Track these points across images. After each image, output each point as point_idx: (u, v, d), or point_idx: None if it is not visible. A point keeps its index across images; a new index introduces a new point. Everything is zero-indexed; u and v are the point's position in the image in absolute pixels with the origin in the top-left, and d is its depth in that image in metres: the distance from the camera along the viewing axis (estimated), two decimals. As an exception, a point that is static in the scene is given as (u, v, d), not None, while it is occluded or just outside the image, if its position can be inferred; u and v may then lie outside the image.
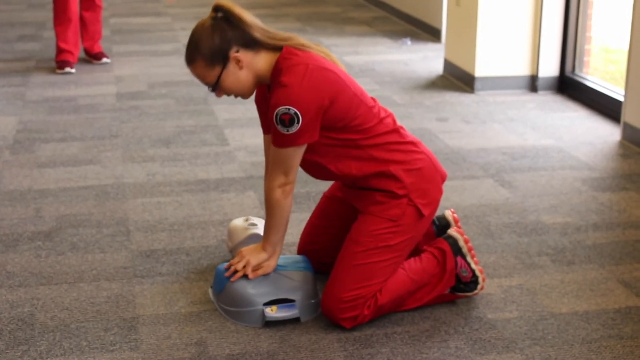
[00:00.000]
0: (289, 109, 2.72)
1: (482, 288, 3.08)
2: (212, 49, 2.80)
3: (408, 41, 7.57)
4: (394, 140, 2.93)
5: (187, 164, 4.53)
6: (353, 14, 9.06)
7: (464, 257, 3.05)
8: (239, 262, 2.99)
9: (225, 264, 3.06)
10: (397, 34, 7.92)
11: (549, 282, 3.25)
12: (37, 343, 2.83)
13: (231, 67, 2.83)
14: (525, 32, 5.81)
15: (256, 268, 2.98)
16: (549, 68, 5.83)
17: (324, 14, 9.01)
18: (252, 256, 2.98)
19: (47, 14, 8.92)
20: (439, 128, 5.11)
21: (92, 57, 6.77)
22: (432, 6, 7.70)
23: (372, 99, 2.99)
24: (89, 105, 5.61)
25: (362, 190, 2.97)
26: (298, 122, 2.73)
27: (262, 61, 2.84)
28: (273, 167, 2.86)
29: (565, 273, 3.33)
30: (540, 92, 5.85)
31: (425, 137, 4.91)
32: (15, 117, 5.32)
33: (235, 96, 2.91)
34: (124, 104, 5.65)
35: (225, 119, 5.28)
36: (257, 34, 2.81)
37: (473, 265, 3.06)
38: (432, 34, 7.71)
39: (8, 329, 2.92)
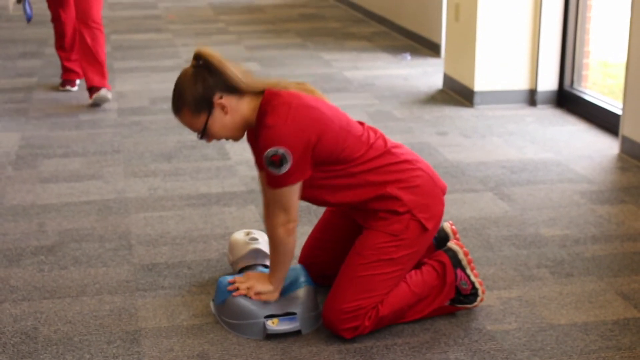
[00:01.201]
0: (277, 150, 2.75)
1: (481, 300, 3.11)
2: (195, 97, 2.85)
3: (408, 56, 7.62)
4: (387, 162, 2.96)
5: (189, 178, 4.56)
6: (353, 29, 9.11)
7: (463, 269, 3.08)
8: (244, 282, 3.02)
9: (229, 278, 3.09)
10: (396, 49, 7.96)
11: (547, 294, 3.28)
12: (41, 356, 2.86)
13: (216, 113, 2.87)
14: (524, 46, 5.85)
15: (259, 293, 3.01)
16: (548, 82, 5.88)
17: (324, 30, 9.06)
18: (258, 283, 3.01)
19: (49, 31, 8.95)
20: (439, 142, 5.15)
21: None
22: (432, 21, 7.75)
23: (360, 123, 3.04)
24: (91, 121, 5.65)
25: (364, 210, 3.01)
26: (288, 162, 2.77)
27: (246, 105, 2.89)
28: (272, 207, 2.90)
29: (563, 285, 3.35)
30: (539, 106, 5.89)
31: (425, 151, 4.95)
32: (18, 133, 5.35)
33: (226, 139, 2.95)
34: (125, 119, 5.69)
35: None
36: (237, 81, 2.86)
37: (473, 278, 3.09)
38: (431, 49, 7.76)
39: (12, 342, 2.95)
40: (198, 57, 2.89)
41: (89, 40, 5.88)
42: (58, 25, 6.39)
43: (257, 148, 2.88)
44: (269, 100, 2.86)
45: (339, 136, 2.89)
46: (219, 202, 4.22)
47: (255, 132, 2.90)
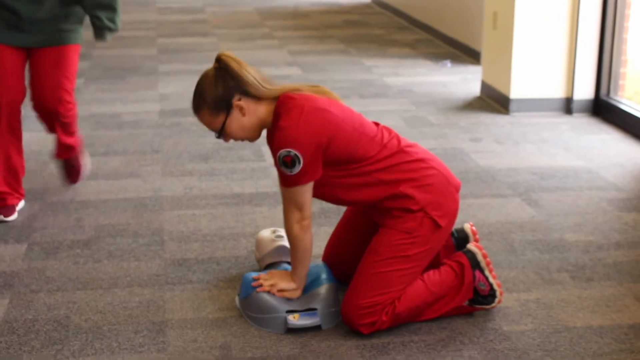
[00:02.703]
0: (289, 151, 2.86)
1: (499, 301, 3.18)
2: (215, 98, 2.96)
3: (448, 63, 7.68)
4: (400, 160, 3.05)
5: (224, 178, 4.68)
6: (396, 36, 9.19)
7: (482, 270, 3.15)
8: (267, 280, 3.13)
9: (254, 274, 3.20)
10: (438, 56, 8.03)
11: (566, 297, 3.34)
12: (71, 343, 2.99)
13: (234, 114, 2.99)
14: (561, 54, 5.89)
15: (282, 290, 3.11)
16: (584, 91, 5.91)
17: (368, 36, 9.16)
18: (281, 281, 3.12)
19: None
20: (472, 148, 5.21)
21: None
22: (473, 29, 7.80)
23: (375, 124, 3.13)
24: (133, 122, 5.80)
25: (379, 209, 3.10)
26: (300, 163, 2.88)
27: (263, 108, 3.00)
28: (287, 205, 3.02)
29: (583, 289, 3.41)
30: (575, 115, 5.92)
31: (457, 157, 5.02)
32: (62, 132, 5.51)
33: (243, 140, 3.07)
34: (166, 120, 5.83)
35: (263, 136, 5.41)
36: (255, 85, 2.98)
37: (491, 279, 3.16)
38: (472, 56, 7.81)
39: (44, 329, 3.08)
40: (219, 60, 3.01)
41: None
42: None
43: (272, 149, 2.99)
44: (283, 103, 2.97)
45: (352, 137, 2.99)
46: (252, 202, 4.34)
47: (270, 133, 3.01)
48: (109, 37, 4.04)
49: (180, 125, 5.72)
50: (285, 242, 3.41)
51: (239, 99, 2.98)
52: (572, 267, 3.60)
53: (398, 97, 6.51)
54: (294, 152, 2.88)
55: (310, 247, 3.07)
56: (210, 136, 5.43)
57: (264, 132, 3.12)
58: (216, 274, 3.53)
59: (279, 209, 4.20)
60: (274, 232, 3.52)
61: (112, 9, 3.99)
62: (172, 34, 9.27)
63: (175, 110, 6.09)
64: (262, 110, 3.01)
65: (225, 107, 2.98)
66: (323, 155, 2.96)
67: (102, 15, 3.96)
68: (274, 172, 4.76)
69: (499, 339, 3.03)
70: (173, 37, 9.06)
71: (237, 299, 3.27)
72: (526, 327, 3.12)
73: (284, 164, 2.90)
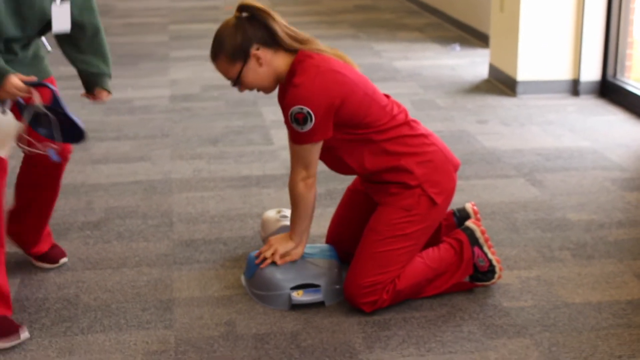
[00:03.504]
0: (302, 108, 2.92)
1: (499, 277, 3.24)
2: (234, 46, 3.00)
3: (457, 47, 7.71)
4: (405, 133, 3.11)
5: (232, 161, 4.75)
6: (406, 20, 9.23)
7: (480, 247, 3.21)
8: (267, 249, 3.20)
9: (257, 252, 3.27)
10: (447, 40, 8.06)
11: (566, 275, 3.39)
12: (80, 320, 3.07)
13: (251, 63, 3.03)
14: (567, 37, 5.92)
15: (284, 255, 3.18)
16: (591, 72, 5.94)
17: (378, 21, 9.19)
18: (280, 245, 3.18)
19: (110, 21, 9.27)
20: (478, 130, 5.26)
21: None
22: (481, 12, 7.83)
23: (386, 96, 3.18)
24: (144, 107, 5.87)
25: (378, 183, 3.16)
26: (311, 121, 2.93)
27: (280, 60, 3.04)
28: (294, 162, 3.07)
29: (583, 266, 3.46)
30: (582, 96, 5.95)
31: (464, 139, 5.07)
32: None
33: (258, 90, 3.11)
34: (177, 105, 5.90)
35: (272, 120, 5.50)
36: (279, 32, 3.01)
37: (490, 255, 3.21)
38: (481, 39, 7.84)
39: (54, 307, 3.16)
40: (242, 8, 3.04)
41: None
42: None
43: (284, 105, 3.04)
44: (300, 61, 3.02)
45: (363, 102, 3.04)
46: (259, 184, 4.40)
47: (284, 89, 3.07)
48: (109, 84, 3.30)
49: (190, 110, 5.79)
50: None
51: (257, 49, 3.02)
52: (573, 245, 3.65)
53: (407, 80, 6.55)
54: (306, 109, 2.93)
55: (312, 205, 3.13)
56: (220, 120, 5.51)
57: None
58: (223, 254, 3.60)
59: (286, 190, 4.27)
60: (279, 212, 3.58)
61: (106, 57, 3.30)
62: (184, 20, 9.34)
63: (186, 95, 6.16)
64: (279, 62, 3.04)
65: (243, 55, 3.01)
66: (334, 117, 3.02)
67: (98, 61, 3.26)
68: (281, 155, 4.82)
69: (499, 315, 3.09)
70: (185, 23, 9.13)
71: (242, 277, 3.34)
72: (526, 303, 3.17)
73: (295, 120, 2.96)
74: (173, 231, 3.83)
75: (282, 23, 3.04)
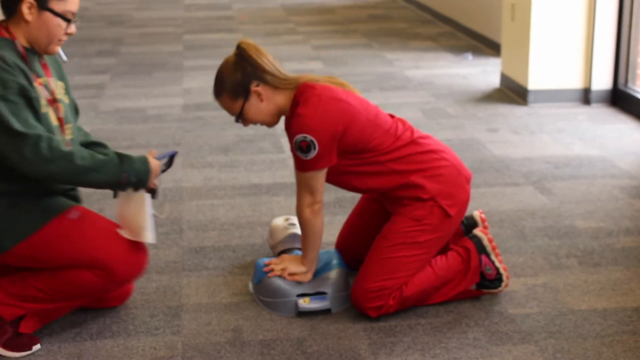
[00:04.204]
0: (306, 137, 2.97)
1: (506, 285, 3.25)
2: (234, 83, 3.07)
3: (469, 56, 7.73)
4: (413, 151, 3.15)
5: (243, 170, 4.79)
6: (419, 29, 9.25)
7: (488, 255, 3.23)
8: (278, 264, 3.24)
9: (266, 259, 3.30)
10: (460, 49, 8.08)
11: (573, 282, 3.41)
12: (89, 326, 3.11)
13: (253, 99, 3.09)
14: (578, 45, 5.94)
15: (292, 274, 3.22)
16: (602, 81, 5.95)
17: (391, 30, 9.22)
18: (291, 265, 3.23)
19: (125, 31, 9.34)
20: (488, 138, 5.27)
21: None
22: (493, 21, 7.85)
23: (390, 116, 3.22)
24: (157, 116, 5.92)
25: (391, 198, 3.19)
26: (315, 149, 2.98)
27: (280, 95, 3.11)
28: (300, 189, 3.12)
29: (590, 274, 3.47)
30: (593, 105, 5.96)
31: (473, 147, 5.09)
32: (87, 127, 5.64)
33: (261, 124, 3.17)
34: (189, 114, 5.95)
35: (283, 129, 5.50)
36: (272, 72, 3.08)
37: (497, 263, 3.23)
38: (493, 48, 7.86)
39: (64, 313, 3.20)
40: (239, 47, 3.11)
41: None
42: None
43: (289, 134, 3.09)
44: (302, 92, 3.07)
45: (366, 127, 3.08)
46: (269, 192, 4.44)
47: (289, 119, 3.11)
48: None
49: (202, 119, 5.83)
50: (298, 230, 3.51)
51: (257, 85, 3.08)
52: (580, 253, 3.66)
53: (418, 89, 6.58)
54: (309, 137, 2.98)
55: (320, 231, 3.17)
56: (232, 129, 5.55)
57: (281, 123, 3.23)
58: (231, 261, 3.63)
59: (295, 198, 4.30)
60: (286, 219, 3.62)
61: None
62: (198, 30, 9.40)
63: (199, 104, 6.21)
64: (279, 98, 3.11)
65: (244, 92, 3.08)
66: (338, 144, 3.06)
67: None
68: (291, 163, 4.84)
69: (504, 322, 3.11)
70: (199, 33, 9.18)
71: (250, 284, 3.37)
72: (531, 310, 3.19)
73: (300, 149, 3.01)
74: (182, 238, 3.87)
75: (274, 66, 3.10)
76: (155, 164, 2.96)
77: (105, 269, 2.90)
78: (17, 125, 2.73)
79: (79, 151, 2.82)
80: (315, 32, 9.16)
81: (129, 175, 2.87)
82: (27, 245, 2.87)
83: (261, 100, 3.10)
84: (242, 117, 3.15)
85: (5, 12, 2.92)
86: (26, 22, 2.88)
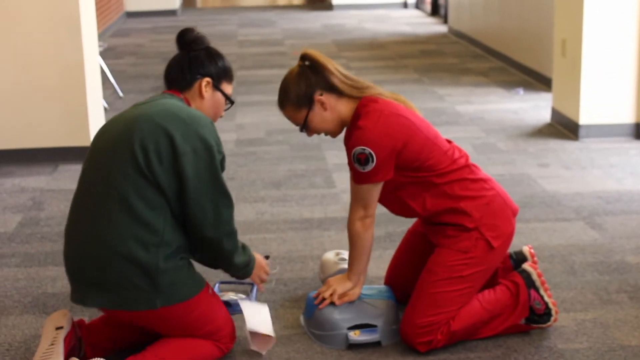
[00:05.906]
0: (364, 149, 3.02)
1: (555, 320, 3.27)
2: (298, 93, 3.15)
3: (520, 91, 7.75)
4: (466, 177, 3.19)
5: (295, 204, 4.86)
6: (470, 64, 9.29)
7: (537, 290, 3.25)
8: (326, 290, 3.29)
9: (315, 292, 3.35)
10: (511, 84, 8.11)
11: (623, 317, 3.41)
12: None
13: (316, 109, 3.16)
14: (630, 80, 5.94)
15: (342, 296, 3.26)
16: (654, 116, 5.95)
17: (442, 65, 9.28)
18: (338, 285, 3.27)
19: (180, 67, 9.49)
20: (539, 173, 5.29)
21: None
22: (545, 57, 7.87)
23: (448, 141, 3.26)
24: (210, 151, 6.01)
25: (436, 225, 3.23)
26: (373, 161, 3.03)
27: (343, 105, 3.17)
28: (353, 202, 3.17)
29: (640, 309, 3.48)
30: (645, 140, 5.96)
31: (524, 182, 5.10)
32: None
33: (325, 134, 3.24)
34: (242, 149, 6.05)
35: (335, 164, 5.60)
36: (337, 82, 3.14)
37: (546, 298, 3.25)
38: (544, 83, 7.87)
39: (120, 344, 3.27)
40: (304, 58, 3.20)
41: None
42: None
43: (348, 146, 3.16)
44: (364, 105, 3.14)
45: (425, 145, 3.14)
46: (320, 226, 4.50)
47: (349, 132, 3.18)
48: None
49: (255, 154, 5.93)
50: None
51: (321, 94, 3.15)
52: (631, 288, 3.66)
53: (469, 124, 6.61)
54: (368, 150, 3.04)
55: (369, 246, 3.22)
56: (284, 164, 5.63)
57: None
58: (283, 294, 3.69)
59: (346, 233, 4.35)
60: (337, 254, 3.67)
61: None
62: (251, 66, 9.54)
63: (251, 139, 6.31)
64: (342, 107, 3.18)
65: (308, 102, 3.16)
66: (396, 159, 3.11)
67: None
68: (343, 198, 4.92)
69: (554, 357, 3.12)
70: (252, 69, 9.33)
71: (301, 317, 3.42)
72: (581, 345, 3.20)
73: (357, 161, 3.07)
74: (235, 272, 3.93)
75: (341, 72, 3.16)
76: (264, 265, 3.30)
77: (225, 341, 3.10)
78: (227, 186, 3.00)
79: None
80: (367, 67, 9.25)
81: (250, 260, 3.19)
82: (180, 308, 2.98)
83: (325, 109, 3.17)
84: (306, 127, 3.22)
85: (177, 85, 3.15)
86: (201, 97, 3.12)
